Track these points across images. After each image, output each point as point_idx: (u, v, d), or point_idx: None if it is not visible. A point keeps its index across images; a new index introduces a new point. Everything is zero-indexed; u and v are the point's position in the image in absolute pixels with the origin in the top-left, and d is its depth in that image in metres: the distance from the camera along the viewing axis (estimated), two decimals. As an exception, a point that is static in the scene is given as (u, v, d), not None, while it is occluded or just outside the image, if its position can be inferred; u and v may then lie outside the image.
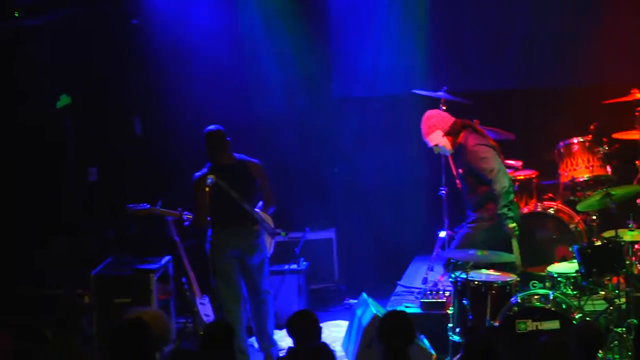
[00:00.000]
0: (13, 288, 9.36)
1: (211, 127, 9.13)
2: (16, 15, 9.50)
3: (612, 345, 8.14)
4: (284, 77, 11.30)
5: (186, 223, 9.33)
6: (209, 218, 8.89)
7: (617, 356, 8.19)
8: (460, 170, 9.56)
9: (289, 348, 6.94)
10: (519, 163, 10.48)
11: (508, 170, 10.06)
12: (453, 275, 8.99)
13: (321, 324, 6.99)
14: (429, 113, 9.44)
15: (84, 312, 8.69)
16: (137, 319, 6.56)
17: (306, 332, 6.91)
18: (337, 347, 9.46)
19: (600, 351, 7.31)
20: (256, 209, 9.08)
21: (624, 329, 8.32)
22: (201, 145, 9.12)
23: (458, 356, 8.48)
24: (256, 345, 9.33)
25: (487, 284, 8.80)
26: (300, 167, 11.08)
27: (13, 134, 9.94)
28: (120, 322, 6.65)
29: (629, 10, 10.73)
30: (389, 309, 9.03)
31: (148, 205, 9.47)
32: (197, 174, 9.00)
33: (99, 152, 10.69)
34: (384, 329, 6.41)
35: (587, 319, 8.26)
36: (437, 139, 9.33)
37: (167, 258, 9.87)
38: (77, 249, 10.21)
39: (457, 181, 10.11)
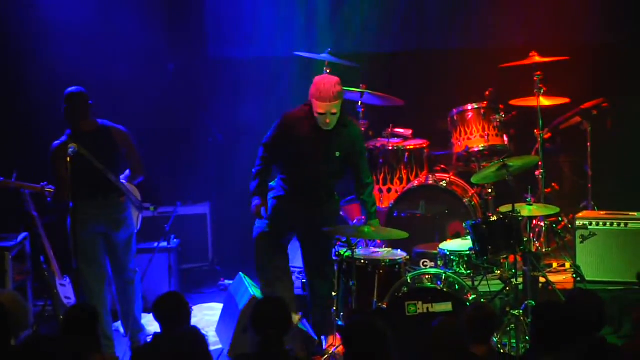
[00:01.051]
0: None
1: (72, 88, 8.77)
2: None
3: (508, 328, 8.09)
4: (155, 38, 10.99)
5: (48, 198, 9.08)
6: (69, 189, 8.49)
7: (513, 340, 8.14)
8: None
9: (155, 333, 6.89)
10: (409, 132, 10.38)
11: (397, 140, 10.33)
12: (337, 254, 8.87)
13: (193, 307, 7.32)
14: (336, 78, 8.91)
15: None
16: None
17: (174, 316, 6.75)
18: (211, 332, 9.21)
19: (495, 335, 7.37)
20: (122, 180, 8.78)
21: (520, 311, 8.23)
22: (60, 109, 8.69)
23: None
24: (122, 330, 9.01)
25: (374, 263, 8.72)
26: (172, 136, 10.98)
27: None
28: None
29: None
30: (262, 296, 8.76)
31: (2, 178, 9.20)
32: (56, 142, 8.69)
33: None
34: (257, 318, 6.25)
35: (482, 300, 8.21)
36: (338, 109, 8.71)
37: (23, 235, 9.66)
38: None
39: None
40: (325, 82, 8.49)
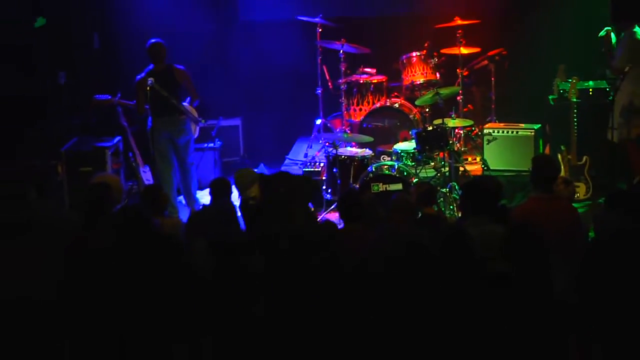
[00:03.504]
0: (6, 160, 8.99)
1: (153, 39, 8.66)
2: None
3: (439, 201, 8.03)
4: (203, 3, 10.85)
5: (118, 107, 9.17)
6: (147, 107, 8.57)
7: (443, 208, 8.10)
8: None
9: (204, 204, 7.22)
10: (374, 70, 10.15)
11: (365, 76, 10.17)
12: (326, 151, 8.90)
13: (232, 186, 7.01)
14: None
15: (56, 179, 8.86)
16: (103, 181, 6.46)
17: (222, 191, 6.84)
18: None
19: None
20: (184, 103, 8.72)
21: (447, 189, 8.29)
22: (142, 54, 8.69)
23: (331, 208, 8.41)
24: (184, 201, 9.01)
25: (351, 158, 8.73)
26: (217, 73, 10.65)
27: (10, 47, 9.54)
28: (91, 183, 6.53)
29: None
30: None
31: (109, 96, 8.99)
32: (139, 76, 8.59)
33: (67, 61, 10.14)
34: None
35: (422, 182, 8.10)
36: None
37: (118, 138, 9.44)
38: (50, 132, 9.76)
39: (329, 84, 10.12)
40: None
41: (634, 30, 8.46)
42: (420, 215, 6.46)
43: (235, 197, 7.11)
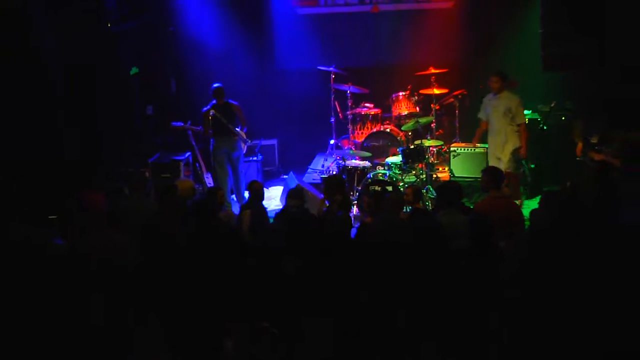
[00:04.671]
0: (110, 167, 8.94)
1: (216, 84, 8.71)
2: (108, 25, 9.00)
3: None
4: (245, 52, 10.69)
5: (189, 131, 9.06)
6: (210, 131, 8.62)
7: (427, 203, 8.07)
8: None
9: (245, 201, 7.22)
10: (372, 105, 10.12)
11: (366, 109, 10.01)
12: (337, 163, 8.95)
13: (268, 188, 6.93)
14: None
15: (146, 181, 8.73)
16: (180, 183, 6.72)
17: (258, 191, 6.80)
18: (277, 200, 9.17)
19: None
20: (237, 129, 8.72)
21: (425, 190, 8.28)
22: (209, 92, 8.69)
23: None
24: (235, 198, 8.99)
25: (355, 168, 8.73)
26: (260, 106, 10.48)
27: (115, 89, 9.35)
28: (168, 185, 6.65)
29: (432, 21, 10.38)
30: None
31: (182, 123, 9.02)
32: (205, 108, 8.65)
33: (153, 98, 10.16)
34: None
35: (407, 185, 8.13)
36: None
37: (188, 153, 9.50)
38: (141, 148, 9.78)
39: (340, 115, 10.01)
40: None
41: None
42: (411, 208, 6.47)
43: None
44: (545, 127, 8.77)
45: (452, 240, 5.03)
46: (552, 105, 8.62)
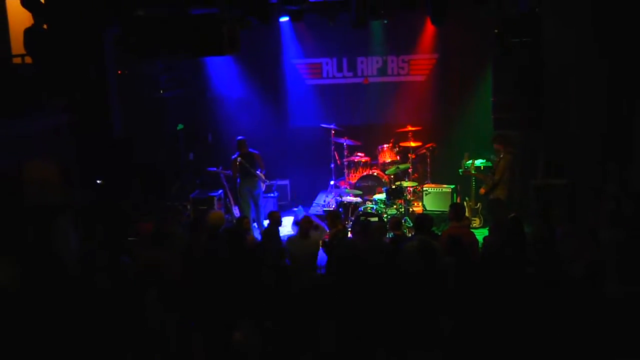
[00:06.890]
0: (157, 202, 8.89)
1: (240, 137, 8.79)
2: (161, 92, 9.15)
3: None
4: (264, 113, 10.70)
5: (221, 174, 9.09)
6: (237, 174, 8.69)
7: (405, 231, 7.76)
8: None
9: (264, 228, 6.90)
10: (363, 154, 10.07)
11: (358, 157, 9.91)
12: (336, 199, 9.07)
13: (283, 217, 6.95)
14: None
15: (182, 214, 8.83)
16: (213, 213, 6.45)
17: (276, 219, 6.69)
18: (289, 228, 9.12)
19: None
20: (257, 171, 8.77)
21: (404, 221, 8.17)
22: (234, 143, 8.78)
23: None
24: (256, 226, 8.95)
25: (349, 202, 8.83)
26: (276, 154, 10.52)
27: (163, 139, 9.45)
28: (206, 215, 6.47)
29: (409, 91, 10.30)
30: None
31: (215, 168, 9.15)
32: (233, 156, 8.73)
33: (194, 147, 10.28)
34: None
35: (390, 216, 8.19)
36: None
37: (220, 191, 9.49)
38: (184, 187, 9.83)
39: (338, 161, 9.95)
40: None
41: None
42: (393, 234, 6.49)
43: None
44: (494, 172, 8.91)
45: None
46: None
